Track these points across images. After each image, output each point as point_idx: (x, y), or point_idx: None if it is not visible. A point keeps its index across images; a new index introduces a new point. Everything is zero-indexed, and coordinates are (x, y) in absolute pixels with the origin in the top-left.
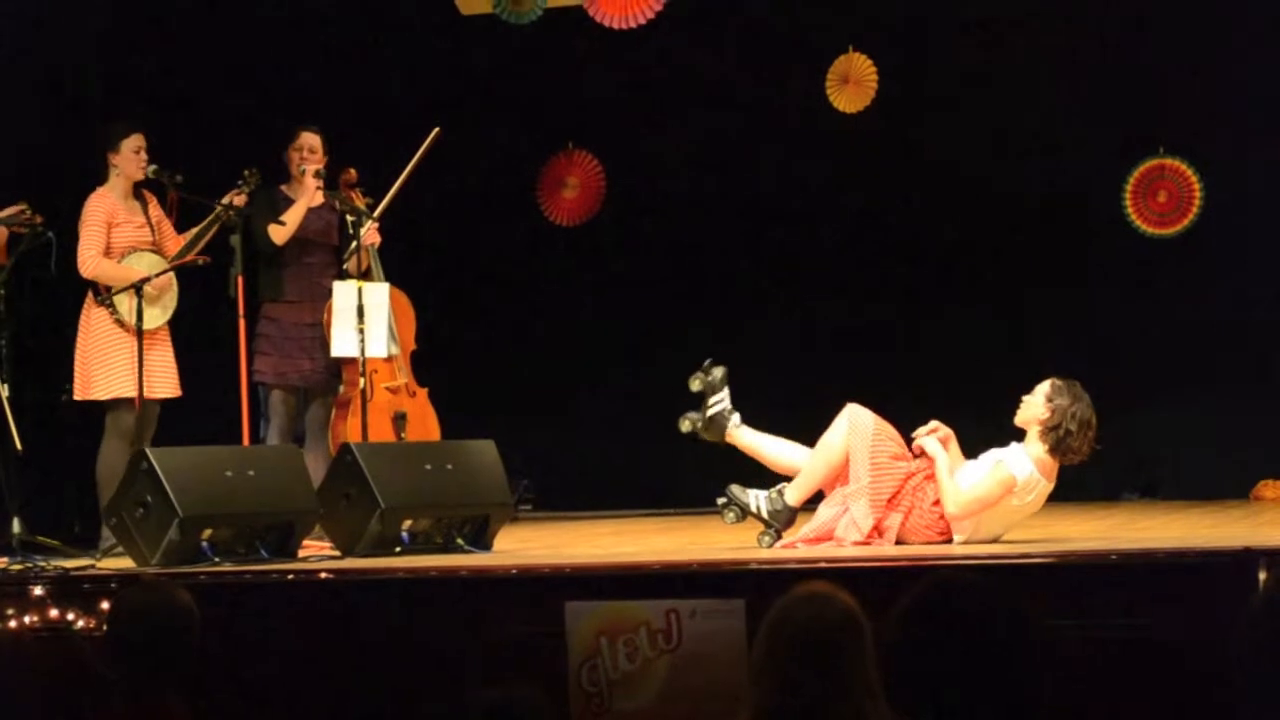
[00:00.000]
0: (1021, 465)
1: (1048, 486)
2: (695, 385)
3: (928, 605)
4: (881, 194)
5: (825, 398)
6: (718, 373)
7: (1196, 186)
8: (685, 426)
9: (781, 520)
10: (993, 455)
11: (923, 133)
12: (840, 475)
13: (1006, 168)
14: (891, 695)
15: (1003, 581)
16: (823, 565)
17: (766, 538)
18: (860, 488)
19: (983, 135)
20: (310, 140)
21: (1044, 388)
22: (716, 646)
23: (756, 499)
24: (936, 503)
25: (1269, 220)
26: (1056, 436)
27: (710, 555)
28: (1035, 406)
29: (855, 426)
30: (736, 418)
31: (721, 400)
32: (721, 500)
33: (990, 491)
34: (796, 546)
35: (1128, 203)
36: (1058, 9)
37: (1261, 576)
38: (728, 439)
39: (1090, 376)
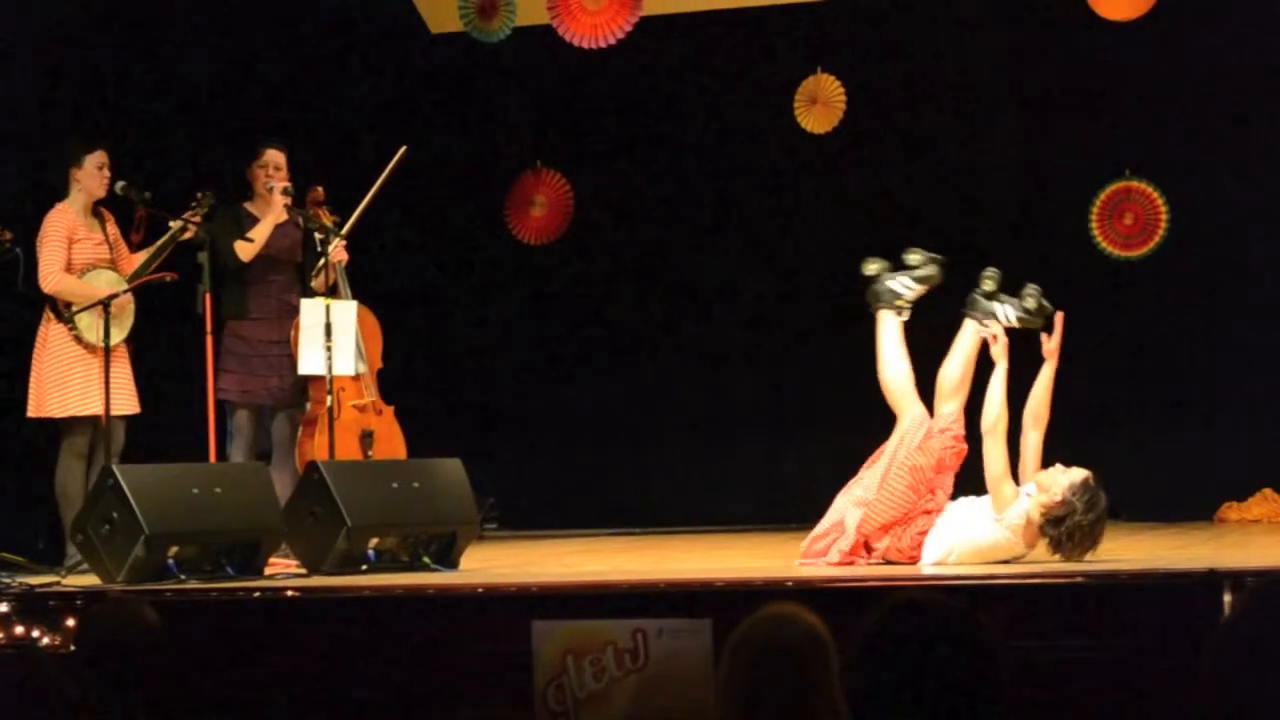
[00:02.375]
0: (996, 532)
1: (1023, 548)
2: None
3: (889, 626)
4: (849, 214)
5: (793, 414)
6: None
7: (1162, 209)
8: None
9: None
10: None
11: (889, 154)
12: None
13: (972, 188)
14: (855, 716)
15: (964, 603)
16: (790, 585)
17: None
18: (864, 500)
19: (949, 157)
20: (275, 157)
21: (1075, 477)
22: (683, 666)
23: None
24: (922, 532)
25: (1235, 243)
26: (1055, 531)
27: (677, 575)
28: (1055, 485)
29: (908, 429)
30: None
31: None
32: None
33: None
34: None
35: (1094, 225)
36: (1024, 31)
37: (1226, 598)
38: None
39: (1055, 396)
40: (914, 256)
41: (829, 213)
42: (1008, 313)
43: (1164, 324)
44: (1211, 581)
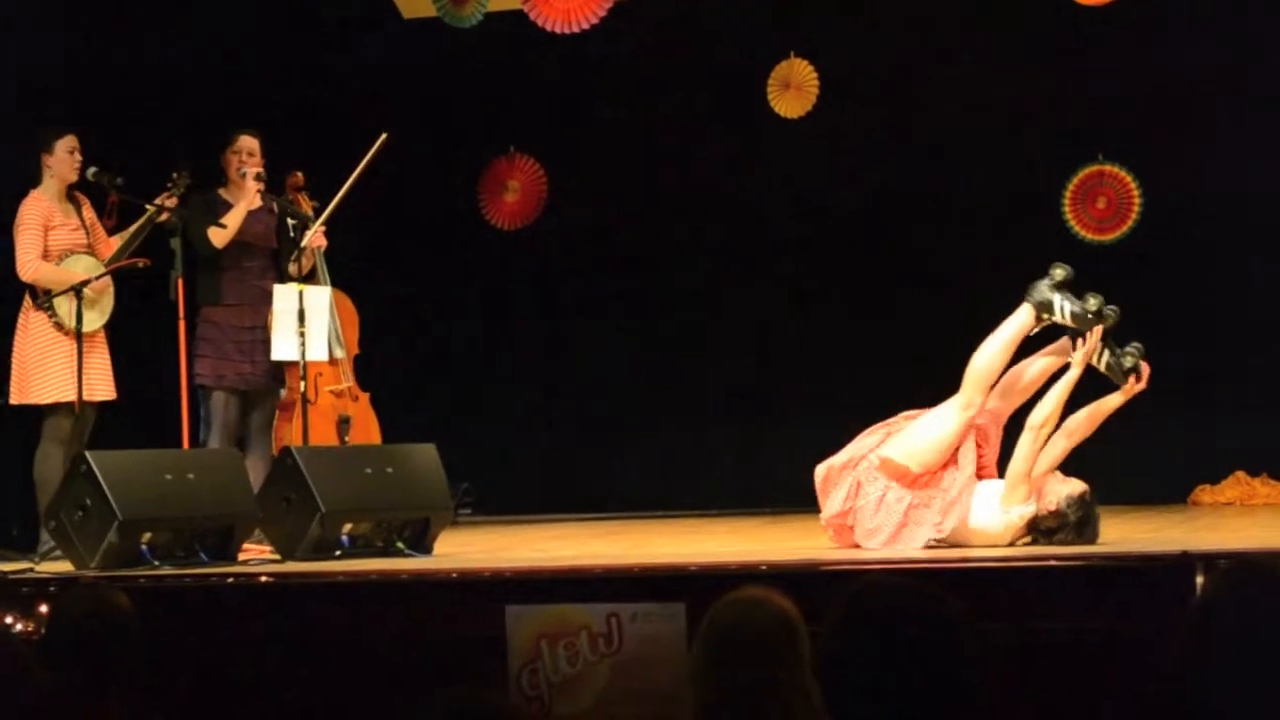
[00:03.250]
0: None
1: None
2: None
3: (856, 609)
4: (820, 201)
5: (775, 400)
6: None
7: (1136, 193)
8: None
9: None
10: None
11: (862, 138)
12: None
13: (945, 174)
14: (825, 698)
15: (932, 585)
16: (764, 569)
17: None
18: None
19: (922, 141)
20: (249, 143)
21: (1073, 490)
22: (657, 650)
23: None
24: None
25: (1207, 227)
26: (1046, 541)
27: (651, 559)
28: (1052, 494)
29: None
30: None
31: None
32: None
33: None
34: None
35: (1067, 209)
36: (997, 15)
37: (1199, 580)
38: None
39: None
40: (1093, 301)
41: (802, 198)
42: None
43: (1136, 308)
44: (1185, 563)
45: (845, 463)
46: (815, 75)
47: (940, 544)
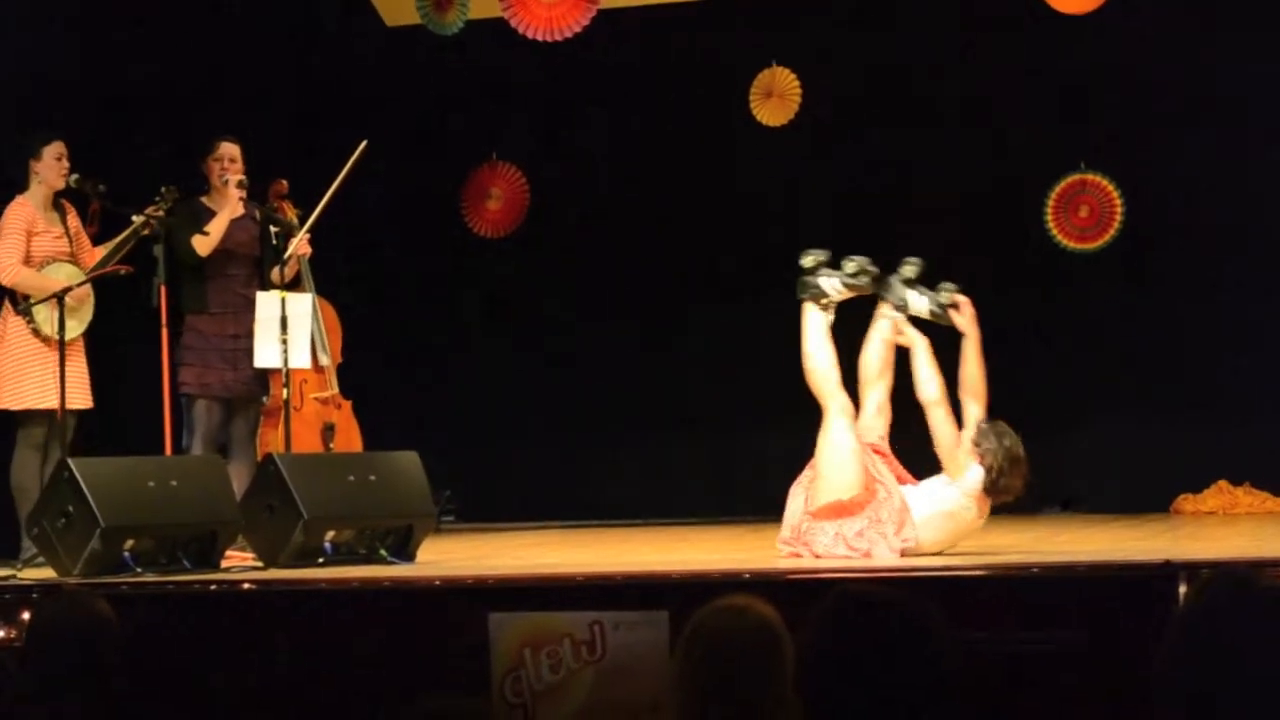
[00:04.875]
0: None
1: (978, 518)
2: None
3: (836, 617)
4: (804, 207)
5: (758, 408)
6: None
7: (1118, 202)
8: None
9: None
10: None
11: (843, 146)
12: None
13: (926, 183)
14: (806, 706)
15: (912, 594)
16: (746, 577)
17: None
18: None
19: (903, 151)
20: (230, 150)
21: (969, 433)
22: (640, 658)
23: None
24: (859, 533)
25: (1189, 236)
26: (990, 479)
27: (634, 567)
28: (964, 452)
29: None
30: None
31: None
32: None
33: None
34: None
35: (1049, 218)
36: (979, 24)
37: (1182, 589)
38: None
39: (1011, 390)
40: (850, 264)
41: (784, 206)
42: (919, 303)
43: (1119, 318)
44: (1168, 573)
45: (791, 535)
46: (798, 84)
47: (920, 549)
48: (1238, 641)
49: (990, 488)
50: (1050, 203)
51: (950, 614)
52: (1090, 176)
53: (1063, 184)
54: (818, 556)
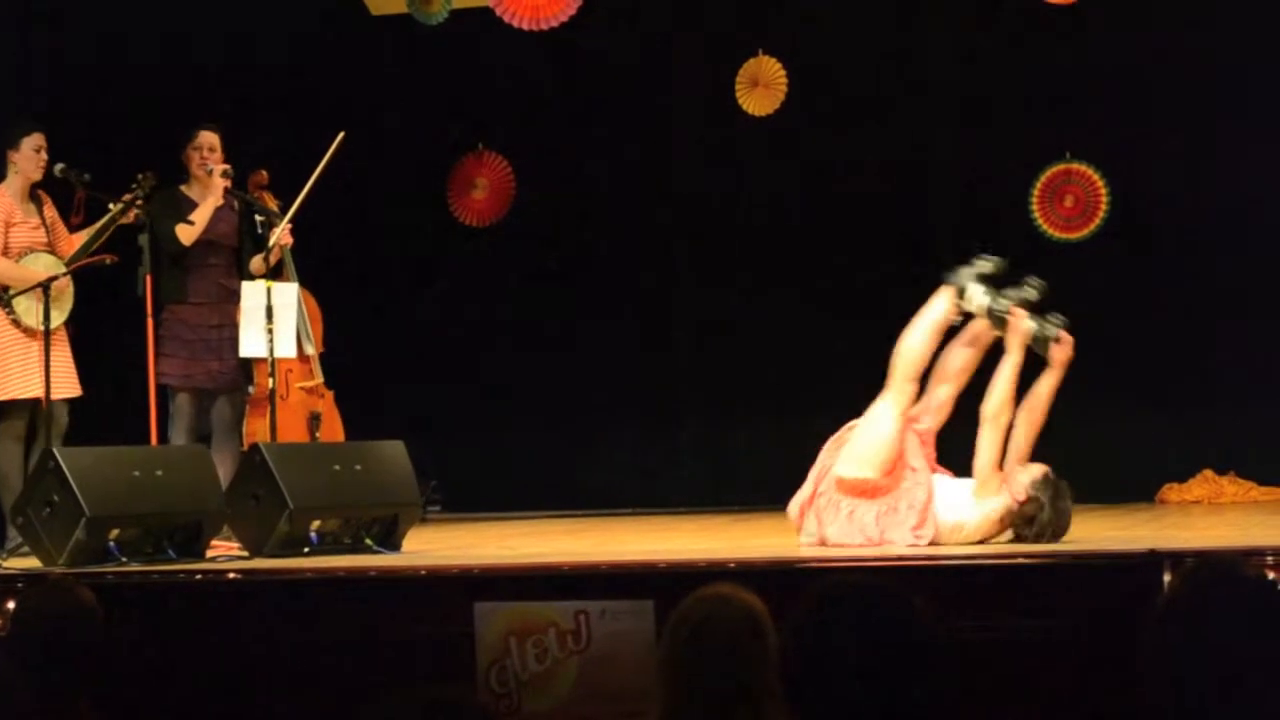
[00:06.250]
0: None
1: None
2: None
3: (823, 606)
4: (788, 199)
5: (743, 397)
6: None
7: (1103, 191)
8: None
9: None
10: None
11: (829, 136)
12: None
13: (912, 172)
14: (791, 695)
15: (898, 583)
16: (732, 566)
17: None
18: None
19: (889, 140)
20: (209, 139)
21: (1035, 474)
22: (625, 647)
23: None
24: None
25: (1175, 225)
26: (1028, 530)
27: (619, 556)
28: (1016, 484)
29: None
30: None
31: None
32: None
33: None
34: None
35: (1035, 207)
36: (965, 14)
37: (1166, 578)
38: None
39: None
40: (1004, 301)
41: (770, 195)
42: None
43: (1104, 306)
44: (1152, 562)
45: (812, 493)
46: (784, 73)
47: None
48: (1222, 630)
49: (1014, 525)
50: (1035, 192)
51: (936, 603)
52: (1075, 166)
53: (1048, 173)
54: (824, 539)
